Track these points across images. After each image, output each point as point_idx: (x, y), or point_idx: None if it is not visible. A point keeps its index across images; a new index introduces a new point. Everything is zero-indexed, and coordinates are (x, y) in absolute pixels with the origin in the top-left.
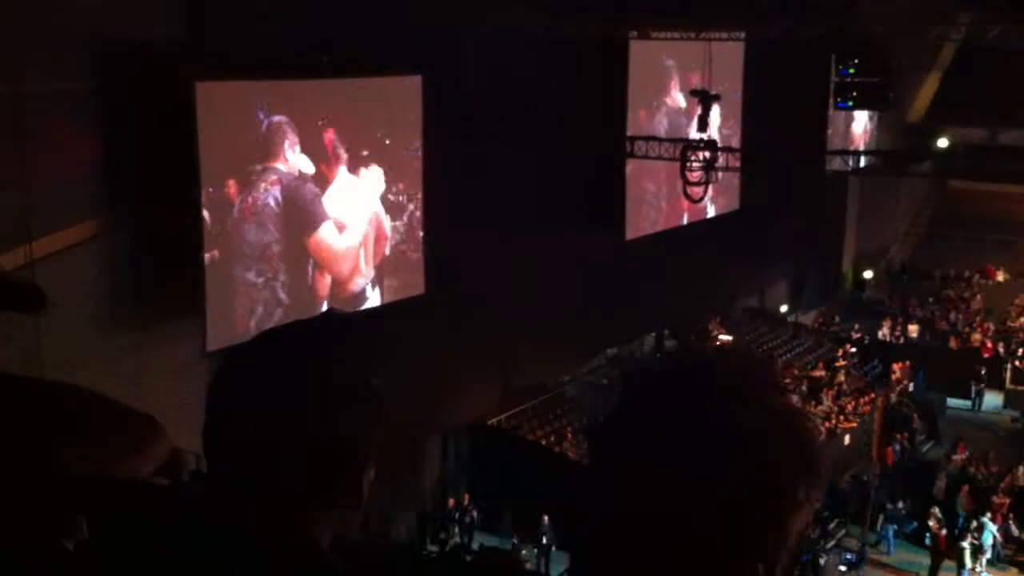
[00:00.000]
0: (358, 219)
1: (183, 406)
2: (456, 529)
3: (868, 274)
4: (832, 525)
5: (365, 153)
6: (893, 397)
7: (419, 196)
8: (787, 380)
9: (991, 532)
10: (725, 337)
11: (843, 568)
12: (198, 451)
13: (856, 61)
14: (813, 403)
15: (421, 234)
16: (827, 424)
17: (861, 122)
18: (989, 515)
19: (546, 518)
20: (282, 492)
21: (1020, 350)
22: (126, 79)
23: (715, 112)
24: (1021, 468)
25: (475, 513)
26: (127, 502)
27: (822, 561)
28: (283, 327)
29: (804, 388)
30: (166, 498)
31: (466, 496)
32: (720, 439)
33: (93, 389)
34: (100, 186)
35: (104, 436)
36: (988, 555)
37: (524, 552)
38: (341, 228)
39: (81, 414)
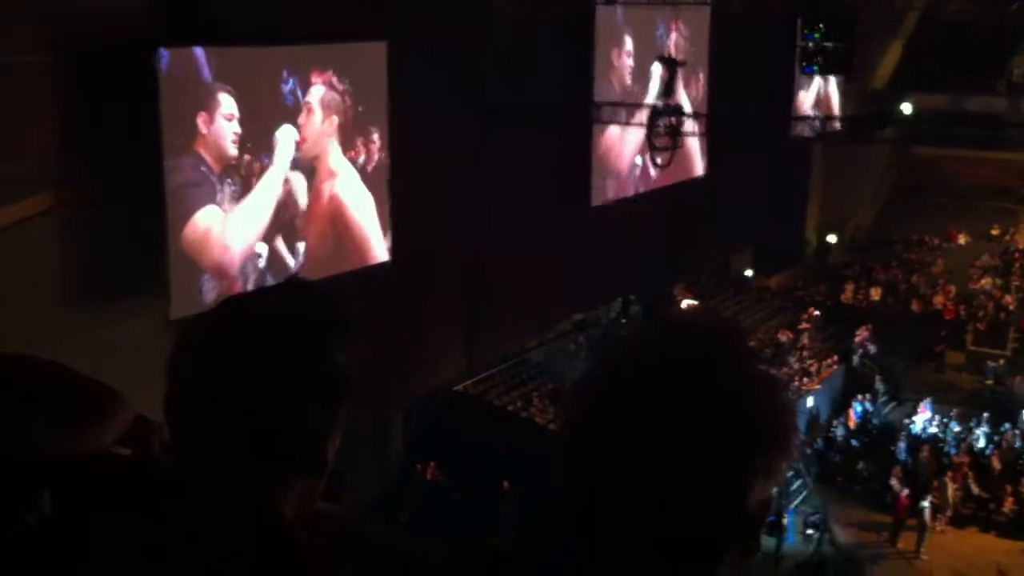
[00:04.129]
0: (328, 190)
1: (147, 377)
2: (425, 497)
3: (832, 238)
4: (795, 486)
5: (334, 122)
6: (856, 359)
7: (386, 164)
8: (753, 343)
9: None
10: (691, 301)
11: (810, 531)
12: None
13: (821, 27)
14: (779, 366)
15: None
16: (792, 386)
17: (823, 88)
18: (950, 474)
19: (506, 483)
20: (244, 462)
21: (981, 312)
22: (86, 51)
23: (680, 77)
24: (981, 429)
25: (444, 480)
26: (90, 474)
27: (785, 522)
28: (244, 295)
29: (769, 352)
30: (129, 470)
31: (431, 464)
32: (690, 407)
33: (53, 361)
34: (60, 159)
35: (65, 407)
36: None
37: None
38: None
39: (41, 386)
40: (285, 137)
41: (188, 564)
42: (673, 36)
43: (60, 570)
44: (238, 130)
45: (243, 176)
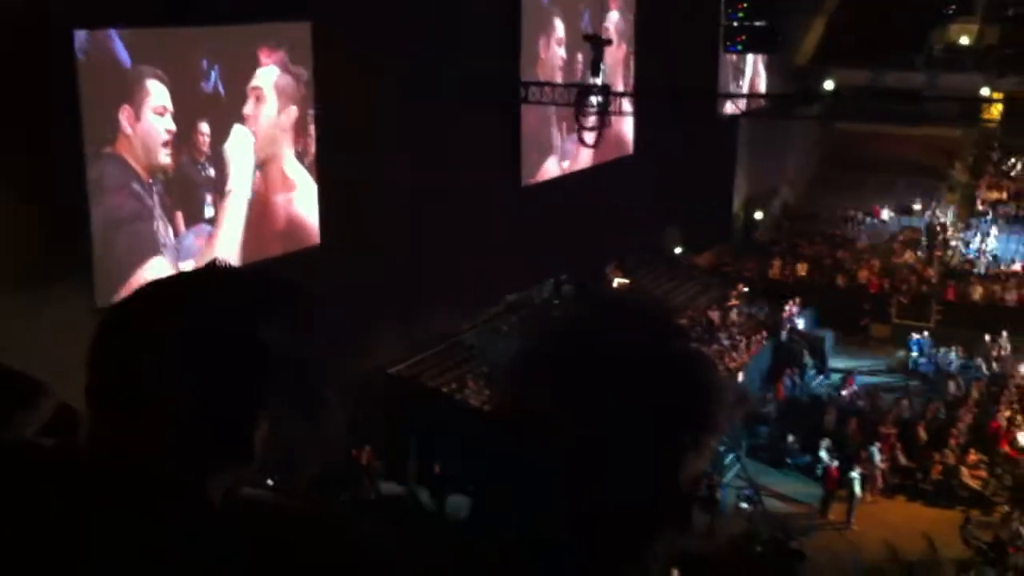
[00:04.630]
0: (244, 175)
1: (72, 364)
2: (361, 480)
3: (758, 215)
4: (727, 460)
5: (253, 103)
6: (784, 334)
7: (313, 146)
8: (684, 321)
9: (876, 461)
10: (622, 280)
11: (744, 505)
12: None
13: (745, 5)
14: (709, 343)
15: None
16: (722, 362)
17: (752, 65)
18: (878, 445)
19: (437, 467)
20: (168, 449)
21: (904, 286)
22: (4, 29)
23: (607, 57)
24: (907, 400)
25: (376, 463)
26: (11, 464)
27: (718, 496)
28: (165, 279)
29: (699, 329)
30: (51, 460)
31: (367, 448)
32: (618, 385)
33: None
34: None
35: None
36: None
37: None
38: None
39: None
40: (240, 146)
41: (113, 555)
42: (598, 15)
43: None
44: (171, 127)
45: (180, 189)
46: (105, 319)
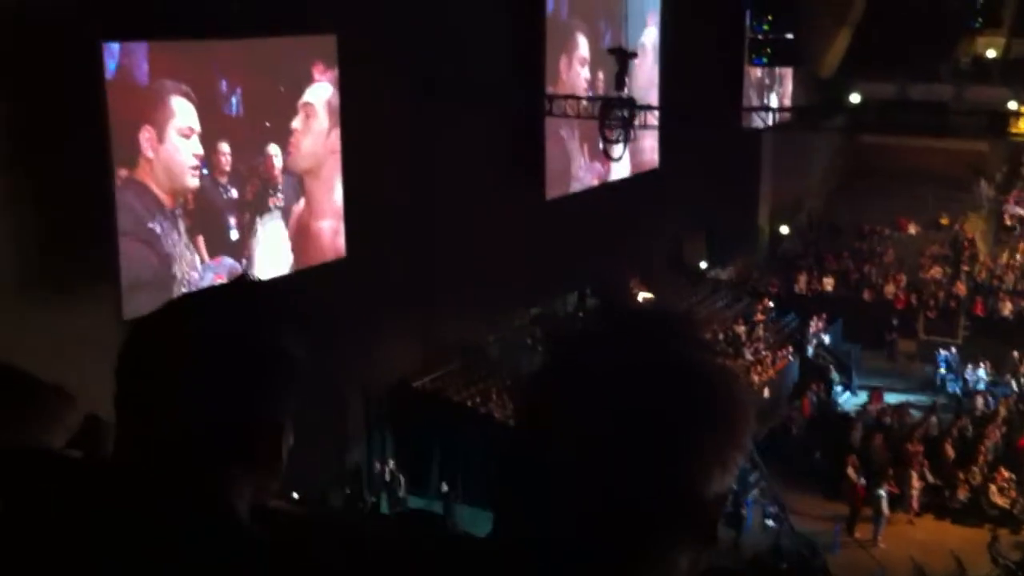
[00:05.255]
0: (279, 185)
1: (97, 375)
2: (383, 493)
3: (784, 229)
4: (752, 477)
5: (277, 117)
6: (810, 349)
7: (338, 159)
8: (709, 335)
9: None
10: (646, 294)
11: (769, 522)
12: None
13: (770, 18)
14: (734, 357)
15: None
16: (747, 377)
17: (777, 78)
18: (915, 468)
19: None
20: (196, 461)
21: (931, 301)
22: (27, 42)
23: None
24: (934, 417)
25: (401, 477)
26: (39, 474)
27: (744, 512)
28: (193, 293)
29: (724, 343)
30: (79, 470)
31: (391, 461)
32: (642, 399)
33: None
34: (7, 151)
35: (13, 408)
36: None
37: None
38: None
39: None
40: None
41: (141, 563)
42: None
43: (8, 569)
44: (199, 150)
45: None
46: (135, 329)
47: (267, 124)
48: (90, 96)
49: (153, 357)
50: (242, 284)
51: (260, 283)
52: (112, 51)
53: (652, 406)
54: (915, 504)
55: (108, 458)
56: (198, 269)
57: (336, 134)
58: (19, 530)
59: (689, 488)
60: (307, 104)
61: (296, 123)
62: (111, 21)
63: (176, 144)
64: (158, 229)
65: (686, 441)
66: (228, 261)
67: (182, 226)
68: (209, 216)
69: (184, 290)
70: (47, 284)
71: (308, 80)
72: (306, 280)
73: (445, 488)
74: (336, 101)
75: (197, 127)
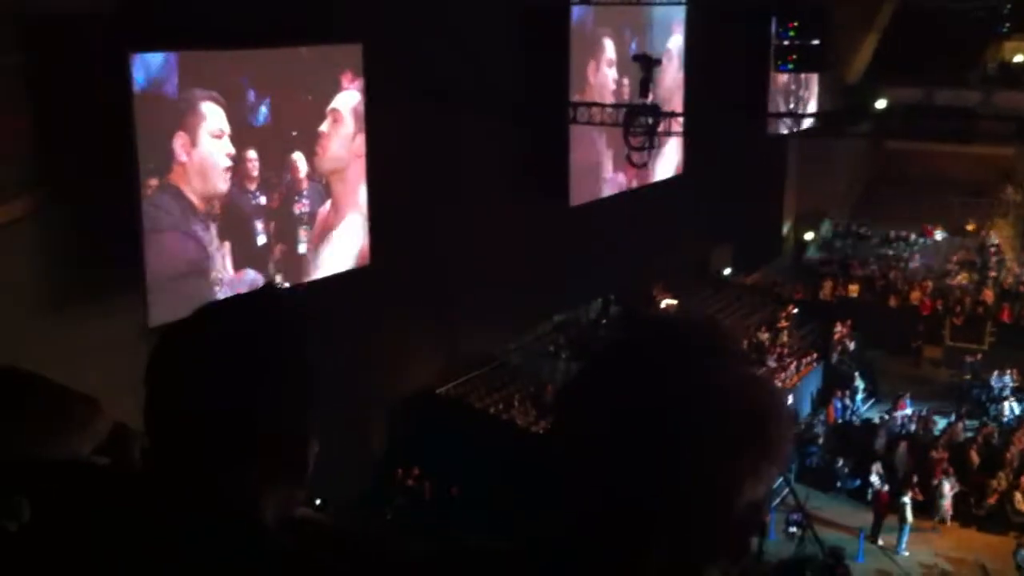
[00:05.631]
0: (304, 193)
1: (124, 384)
2: (404, 501)
3: (809, 235)
4: (776, 484)
5: (304, 126)
6: (834, 356)
7: (363, 164)
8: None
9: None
10: (670, 301)
11: (793, 529)
12: (140, 428)
13: (796, 24)
14: (758, 364)
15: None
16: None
17: (803, 84)
18: (951, 478)
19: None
20: (225, 469)
21: (958, 307)
22: (56, 52)
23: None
24: (960, 424)
25: (426, 484)
26: (69, 482)
27: (767, 520)
28: (220, 301)
29: (749, 350)
30: (107, 478)
31: (415, 469)
32: (676, 408)
33: (28, 370)
34: (34, 162)
35: (41, 416)
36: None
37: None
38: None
39: (17, 395)
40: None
41: (168, 571)
42: (647, 34)
43: None
44: (231, 150)
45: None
46: (164, 339)
47: (294, 133)
48: (119, 108)
49: (180, 366)
50: (267, 293)
51: (285, 292)
52: (142, 63)
53: (690, 418)
54: (948, 510)
55: (135, 466)
56: (227, 273)
57: (361, 139)
58: (49, 539)
59: (725, 499)
60: (334, 110)
61: (324, 127)
62: (140, 32)
63: (209, 148)
64: (194, 230)
65: (722, 452)
66: (251, 273)
67: (213, 230)
68: (237, 223)
69: (212, 293)
70: (74, 293)
71: (336, 89)
72: (330, 287)
73: (465, 494)
74: (362, 109)
75: (227, 129)
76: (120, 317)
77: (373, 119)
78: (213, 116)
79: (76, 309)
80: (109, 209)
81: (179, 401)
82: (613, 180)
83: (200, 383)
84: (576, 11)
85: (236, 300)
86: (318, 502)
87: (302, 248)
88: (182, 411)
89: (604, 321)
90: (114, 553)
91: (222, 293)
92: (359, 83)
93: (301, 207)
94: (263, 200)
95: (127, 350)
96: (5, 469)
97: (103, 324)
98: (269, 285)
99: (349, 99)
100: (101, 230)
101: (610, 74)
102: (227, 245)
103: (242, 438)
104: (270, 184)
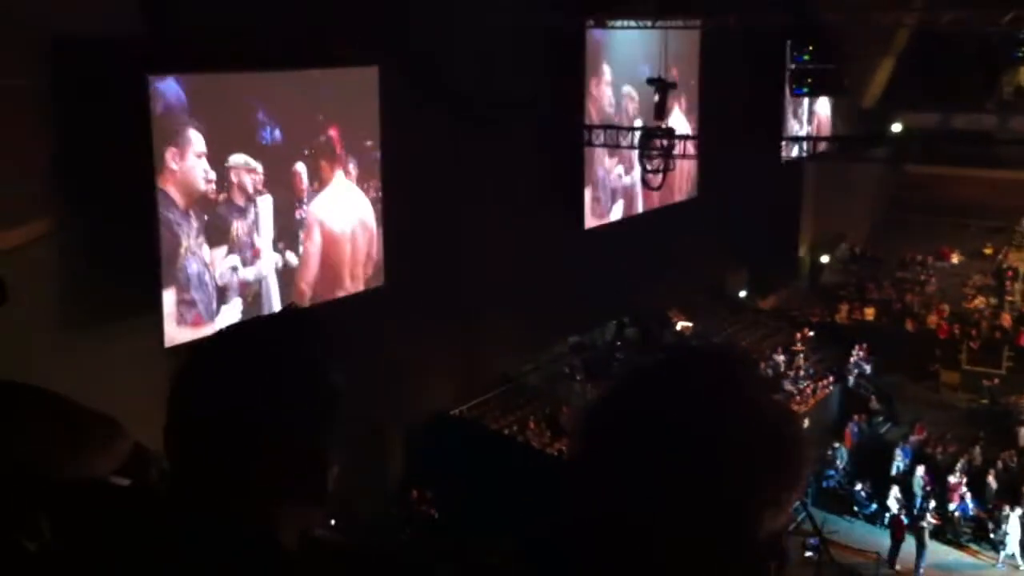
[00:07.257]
0: (338, 219)
1: (143, 404)
2: (420, 522)
3: (825, 258)
4: (793, 508)
5: (326, 149)
6: (851, 380)
7: (378, 188)
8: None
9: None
10: (685, 323)
11: (809, 553)
12: (159, 449)
13: (811, 48)
14: (774, 388)
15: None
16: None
17: (819, 108)
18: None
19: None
20: (246, 489)
21: (975, 331)
22: (77, 74)
23: (672, 100)
24: (977, 447)
25: (440, 505)
26: (89, 502)
27: (786, 546)
28: (243, 323)
29: (766, 373)
30: (128, 498)
31: (428, 490)
32: (699, 435)
33: (49, 390)
34: (54, 182)
35: (62, 436)
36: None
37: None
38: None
39: (38, 415)
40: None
41: None
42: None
43: None
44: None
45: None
46: (186, 360)
47: (305, 152)
48: (136, 130)
49: (203, 387)
50: (288, 314)
51: (306, 313)
52: (161, 88)
53: (713, 446)
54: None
55: (154, 486)
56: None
57: (376, 158)
58: (68, 558)
59: (746, 525)
60: (346, 129)
61: (334, 147)
62: (155, 55)
63: (194, 163)
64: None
65: (744, 480)
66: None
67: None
68: (245, 242)
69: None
70: (94, 313)
71: (349, 109)
72: (345, 308)
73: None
74: (378, 129)
75: (205, 149)
76: (139, 336)
77: (388, 140)
78: (198, 140)
79: (95, 328)
80: (125, 233)
81: (201, 422)
82: (628, 202)
83: (222, 404)
84: (592, 33)
85: (256, 321)
86: (332, 522)
87: (313, 263)
88: (204, 432)
89: (619, 343)
90: (132, 573)
91: (231, 309)
92: (373, 106)
93: (312, 223)
94: (271, 219)
95: (146, 369)
96: (25, 488)
97: (122, 343)
98: (290, 305)
99: (364, 119)
100: (117, 253)
101: (610, 88)
102: (236, 259)
103: (264, 459)
104: (280, 206)
